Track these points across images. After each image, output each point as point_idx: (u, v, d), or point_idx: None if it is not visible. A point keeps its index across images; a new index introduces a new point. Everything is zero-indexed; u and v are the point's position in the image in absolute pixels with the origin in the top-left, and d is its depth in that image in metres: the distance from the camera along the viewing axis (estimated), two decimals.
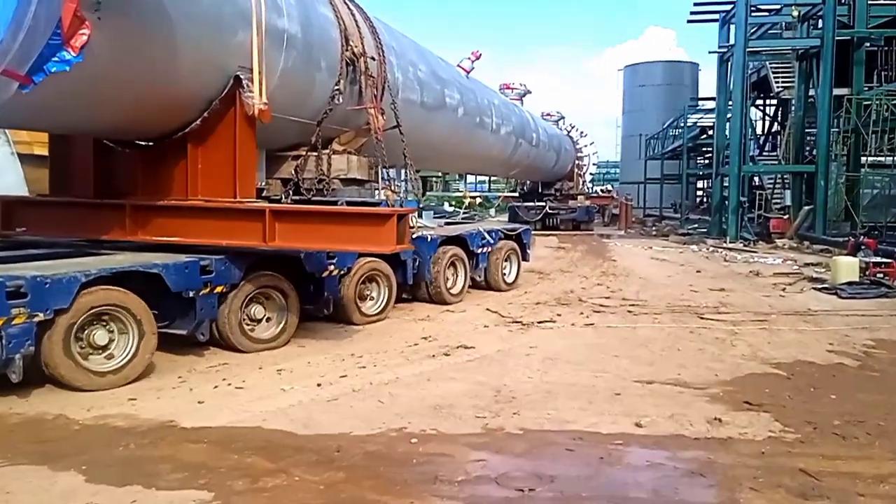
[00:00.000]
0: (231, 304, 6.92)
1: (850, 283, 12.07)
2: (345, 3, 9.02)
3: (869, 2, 22.98)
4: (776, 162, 29.59)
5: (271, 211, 6.93)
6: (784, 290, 12.37)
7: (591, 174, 37.22)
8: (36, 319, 5.27)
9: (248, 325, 7.18)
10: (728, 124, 25.86)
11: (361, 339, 7.98)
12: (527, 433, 4.97)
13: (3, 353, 5.11)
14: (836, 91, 22.41)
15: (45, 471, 4.19)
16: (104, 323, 5.85)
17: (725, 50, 26.18)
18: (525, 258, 13.10)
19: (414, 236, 9.25)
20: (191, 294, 6.47)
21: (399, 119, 9.26)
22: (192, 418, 5.11)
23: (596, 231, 29.15)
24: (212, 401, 5.59)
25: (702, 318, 9.56)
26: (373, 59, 8.94)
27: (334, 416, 5.28)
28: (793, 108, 26.71)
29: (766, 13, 26.27)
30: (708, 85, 47.44)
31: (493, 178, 44.81)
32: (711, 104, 33.00)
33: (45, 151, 8.91)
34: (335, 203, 8.07)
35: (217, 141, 7.03)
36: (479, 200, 40.22)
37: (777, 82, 27.71)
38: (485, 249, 11.58)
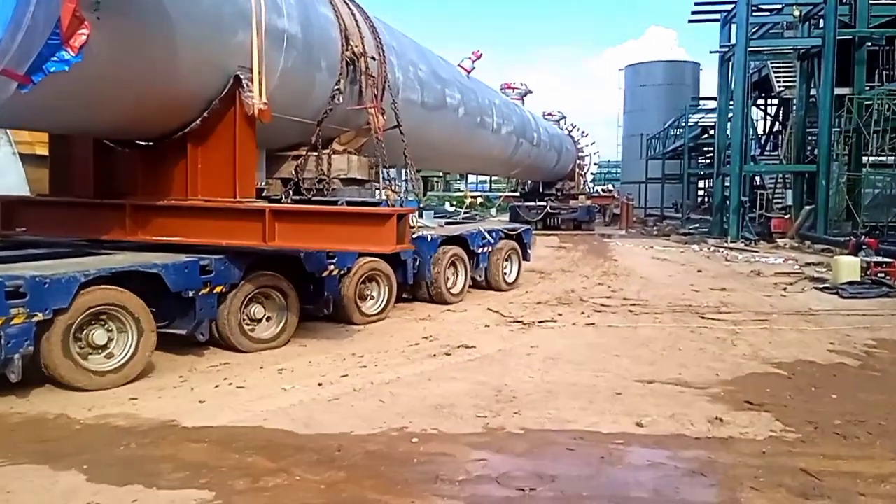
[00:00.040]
0: (231, 303, 6.92)
1: (851, 283, 12.06)
2: (345, 2, 9.02)
3: (870, 1, 22.96)
4: (777, 161, 29.56)
5: (271, 211, 6.93)
6: (785, 289, 12.37)
7: (592, 174, 37.23)
8: (35, 319, 5.27)
9: (247, 324, 7.18)
10: (729, 124, 25.86)
11: (362, 339, 7.98)
12: (528, 433, 4.97)
13: (2, 353, 5.11)
14: (838, 91, 22.39)
15: (47, 470, 4.20)
16: (102, 322, 5.84)
17: (727, 49, 26.16)
18: (526, 258, 13.11)
19: (414, 236, 9.25)
20: (190, 294, 6.47)
21: (399, 119, 9.27)
22: (193, 418, 5.12)
23: (597, 231, 29.13)
24: (213, 400, 5.59)
25: (703, 317, 9.56)
26: (373, 58, 8.94)
27: (335, 415, 5.28)
28: (794, 107, 26.70)
29: (768, 13, 26.24)
30: (709, 84, 47.30)
31: (494, 178, 44.92)
32: (713, 104, 32.98)
33: (46, 151, 8.91)
34: (335, 203, 8.07)
35: (217, 141, 7.04)
36: (480, 200, 40.24)
37: (778, 82, 27.70)
38: (485, 249, 11.58)
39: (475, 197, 39.81)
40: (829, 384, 6.32)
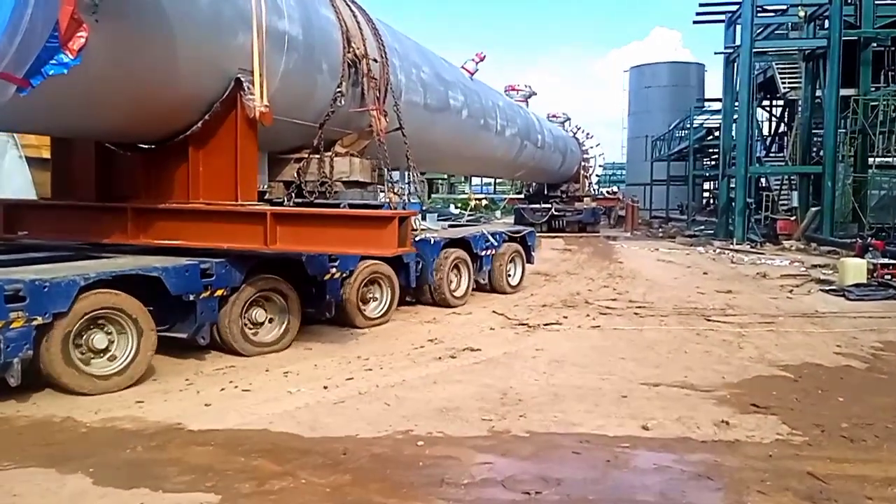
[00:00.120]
0: (232, 307, 6.90)
1: (857, 285, 12.01)
2: (347, 4, 9.00)
3: (875, 2, 22.89)
4: (783, 163, 29.47)
5: (272, 214, 6.92)
6: (791, 291, 12.33)
7: (597, 176, 37.18)
8: (34, 323, 5.26)
9: (249, 328, 7.16)
10: (734, 125, 25.80)
11: (367, 342, 7.98)
12: (533, 436, 4.97)
13: (1, 357, 5.10)
14: (843, 92, 22.31)
15: (53, 473, 4.21)
16: (101, 326, 5.83)
17: (731, 51, 26.12)
18: (529, 260, 13.11)
19: (417, 239, 9.24)
20: (191, 297, 6.45)
21: (402, 121, 9.26)
22: (198, 421, 5.13)
23: (602, 233, 29.11)
24: (218, 403, 5.60)
25: (709, 320, 9.54)
26: (375, 60, 8.93)
27: (341, 418, 5.28)
28: (799, 108, 26.62)
29: (773, 14, 26.18)
30: (714, 86, 47.18)
31: (498, 180, 44.97)
32: (718, 105, 32.91)
33: None
34: (337, 205, 8.07)
35: (218, 144, 7.03)
36: (484, 202, 40.30)
37: (783, 83, 27.61)
38: (489, 252, 11.55)
39: (480, 199, 39.90)
40: (836, 387, 6.30)
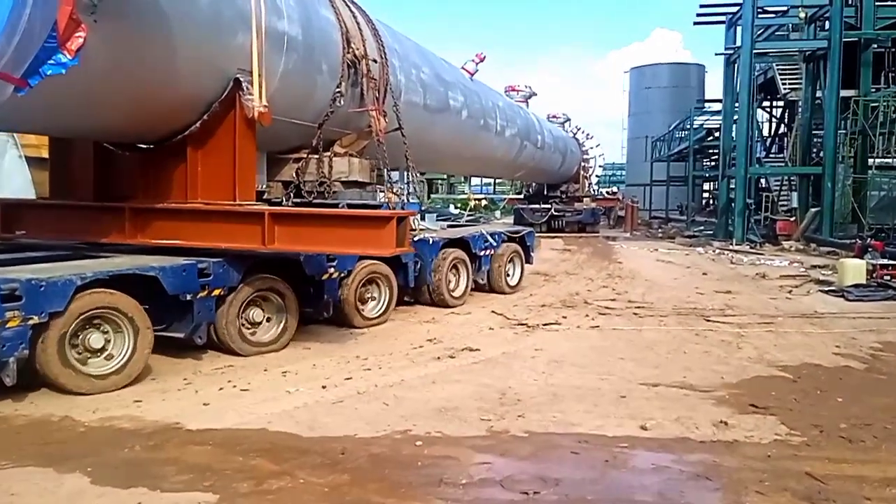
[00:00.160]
0: (229, 307, 6.88)
1: (856, 286, 12.02)
2: (346, 5, 9.00)
3: (876, 3, 22.90)
4: (783, 164, 29.48)
5: (270, 214, 6.90)
6: (790, 292, 12.33)
7: (596, 176, 37.22)
8: (30, 322, 5.24)
9: (246, 328, 7.14)
10: (735, 126, 25.82)
11: (366, 342, 7.98)
12: (532, 436, 4.96)
13: None
14: (844, 93, 22.32)
15: (51, 472, 4.20)
16: (97, 326, 5.81)
17: (732, 52, 26.14)
18: (529, 261, 13.09)
19: (415, 239, 9.24)
20: (188, 297, 6.43)
21: (401, 121, 9.25)
22: (197, 420, 5.12)
23: (601, 233, 29.12)
24: (217, 403, 5.59)
25: (708, 320, 9.53)
26: (374, 61, 8.93)
27: (339, 418, 5.28)
28: (800, 109, 26.64)
29: (773, 15, 26.20)
30: (714, 87, 47.20)
31: (498, 181, 44.98)
32: (718, 106, 32.94)
33: None
34: (336, 205, 8.06)
35: (217, 144, 7.02)
36: (484, 203, 40.32)
37: (784, 84, 27.62)
38: (487, 252, 11.53)
39: (479, 199, 39.92)
40: (835, 387, 6.29)
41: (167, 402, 5.60)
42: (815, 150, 25.30)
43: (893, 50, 23.90)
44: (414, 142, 9.53)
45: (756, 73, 25.85)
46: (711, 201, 41.84)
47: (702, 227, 30.63)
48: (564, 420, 5.30)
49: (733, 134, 26.01)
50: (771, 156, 32.96)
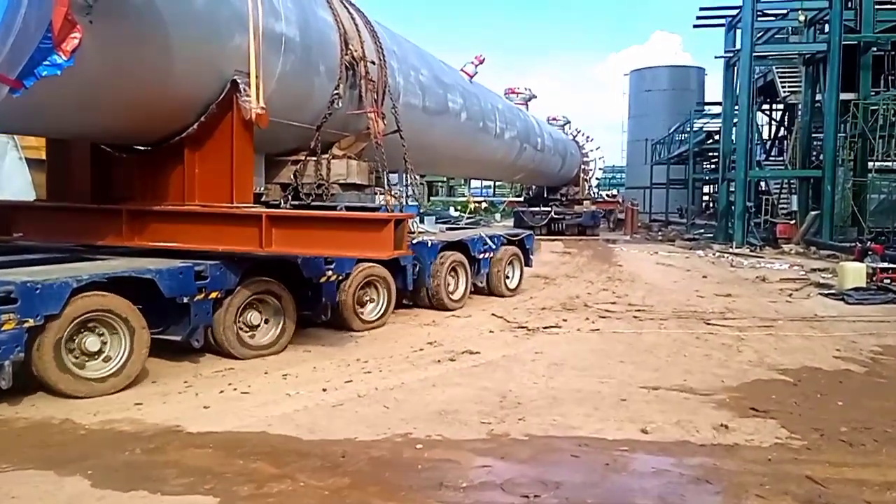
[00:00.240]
0: (226, 309, 6.85)
1: (856, 289, 12.01)
2: (344, 6, 8.99)
3: (876, 6, 22.93)
4: (783, 167, 29.53)
5: (268, 216, 6.90)
6: (790, 295, 12.33)
7: (596, 179, 37.24)
8: (26, 325, 5.22)
9: (244, 331, 7.12)
10: (734, 129, 25.83)
11: (366, 345, 7.98)
12: (532, 439, 4.96)
13: None
14: (843, 96, 22.34)
15: (52, 476, 4.20)
16: (92, 329, 5.78)
17: (732, 55, 26.16)
18: (528, 264, 13.07)
19: (414, 241, 9.24)
20: (185, 300, 6.40)
21: (400, 123, 9.25)
22: (197, 423, 5.12)
23: (601, 236, 29.15)
24: (217, 406, 5.59)
25: (708, 323, 9.53)
26: (373, 63, 8.92)
27: (340, 421, 5.28)
28: (799, 112, 26.67)
29: (773, 18, 26.25)
30: (714, 89, 47.24)
31: (498, 183, 45.00)
32: (718, 109, 32.96)
33: None
34: (334, 208, 8.04)
35: (214, 146, 7.01)
36: (484, 205, 40.33)
37: (784, 87, 27.67)
38: (487, 255, 11.51)
39: (479, 202, 39.92)
40: (835, 391, 6.29)
41: (168, 404, 5.60)
42: (814, 153, 25.32)
43: (893, 53, 23.92)
44: (413, 144, 9.53)
45: (756, 76, 25.88)
46: (711, 204, 41.87)
47: (702, 230, 30.64)
48: (564, 423, 5.29)
49: (733, 137, 26.02)
50: (771, 159, 33.01)
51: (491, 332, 8.93)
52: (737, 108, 25.21)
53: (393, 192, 9.17)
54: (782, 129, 33.55)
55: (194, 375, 6.46)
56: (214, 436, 4.89)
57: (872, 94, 22.89)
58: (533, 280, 13.74)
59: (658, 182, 42.34)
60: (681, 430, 5.16)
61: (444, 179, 47.09)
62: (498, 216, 37.37)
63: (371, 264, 8.73)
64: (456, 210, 30.99)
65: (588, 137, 30.93)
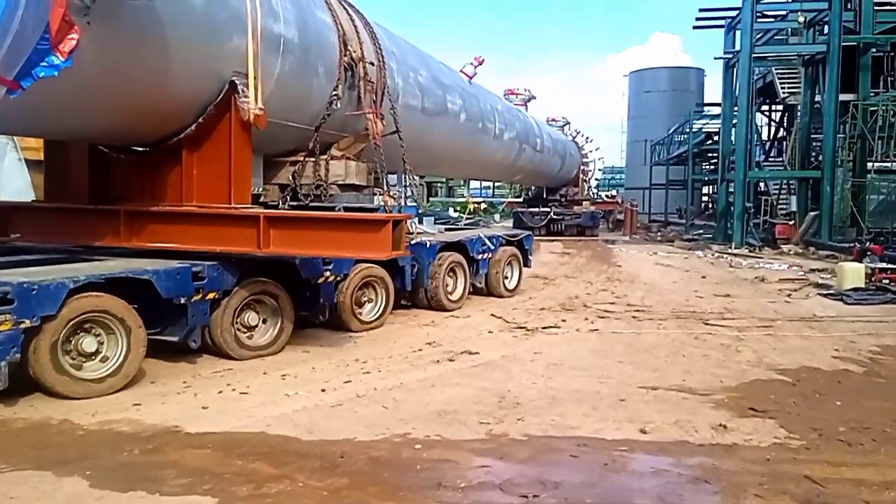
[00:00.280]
0: (224, 310, 6.83)
1: (855, 289, 12.03)
2: (343, 7, 8.98)
3: (875, 7, 22.95)
4: (782, 168, 29.54)
5: (265, 217, 6.89)
6: (789, 296, 12.34)
7: (596, 179, 37.25)
8: (22, 326, 5.21)
9: (241, 331, 7.11)
10: (734, 130, 25.84)
11: (365, 345, 7.98)
12: (531, 439, 4.96)
13: None
14: (843, 97, 22.37)
15: (50, 476, 4.20)
16: (88, 330, 5.76)
17: (731, 56, 26.18)
18: (527, 264, 13.05)
19: (412, 242, 9.22)
20: (182, 300, 6.38)
21: (398, 124, 9.24)
22: (196, 423, 5.12)
23: (601, 237, 29.15)
24: (216, 406, 5.59)
25: (707, 323, 9.54)
26: (372, 64, 8.92)
27: (338, 421, 5.28)
28: (798, 113, 26.70)
29: (772, 19, 26.26)
30: (713, 90, 47.33)
31: (497, 184, 45.01)
32: (717, 110, 32.97)
33: None
34: (332, 209, 8.03)
35: (212, 146, 7.00)
36: (483, 206, 40.35)
37: (783, 88, 27.70)
38: (485, 255, 11.50)
39: (479, 203, 39.94)
40: (834, 391, 6.30)
41: (166, 405, 5.60)
42: (814, 153, 25.34)
43: (892, 54, 23.95)
44: (412, 145, 9.52)
45: (755, 77, 25.91)
46: (710, 205, 41.88)
47: (701, 231, 30.65)
48: (563, 423, 5.29)
49: (732, 138, 26.04)
50: (770, 159, 33.03)
51: (490, 332, 8.94)
52: (736, 109, 25.22)
53: (392, 193, 9.15)
54: (781, 129, 33.57)
55: (193, 376, 6.46)
56: (213, 436, 4.89)
57: (872, 95, 22.92)
58: (532, 280, 13.74)
59: (657, 183, 42.37)
60: (679, 430, 5.16)
61: (444, 180, 47.11)
62: (497, 217, 37.39)
63: (369, 265, 8.71)
64: (455, 211, 31.02)
65: (587, 138, 31.00)
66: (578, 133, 30.39)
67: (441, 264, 10.25)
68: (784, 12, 25.30)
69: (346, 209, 8.10)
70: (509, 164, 18.33)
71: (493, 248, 11.68)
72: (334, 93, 8.31)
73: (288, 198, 8.21)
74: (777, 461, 4.57)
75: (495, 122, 15.40)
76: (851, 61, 22.60)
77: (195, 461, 4.45)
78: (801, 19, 23.73)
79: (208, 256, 6.80)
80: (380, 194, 9.08)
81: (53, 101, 5.67)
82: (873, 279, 12.59)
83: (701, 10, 29.09)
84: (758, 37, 24.87)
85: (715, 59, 27.56)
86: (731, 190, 25.32)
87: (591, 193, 32.69)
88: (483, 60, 14.75)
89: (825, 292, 12.46)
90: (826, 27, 23.28)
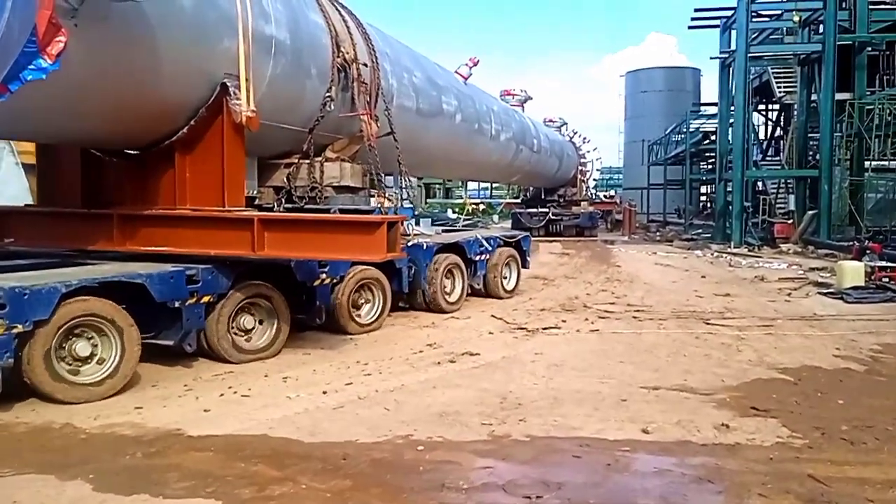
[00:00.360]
0: (219, 313, 6.80)
1: (855, 288, 12.03)
2: (336, 8, 8.94)
3: (870, 6, 23.02)
4: (779, 167, 29.61)
5: (259, 219, 6.87)
6: (789, 295, 12.35)
7: (594, 180, 37.31)
8: (15, 331, 5.18)
9: (237, 335, 7.07)
10: (731, 129, 25.89)
11: (366, 347, 7.97)
12: (533, 440, 4.96)
13: None
14: (839, 96, 22.42)
15: (53, 480, 4.19)
16: (80, 335, 5.72)
17: (727, 55, 26.22)
18: (525, 265, 13.00)
19: (409, 244, 9.20)
20: (176, 304, 6.35)
21: (393, 126, 9.21)
22: (198, 426, 5.11)
23: (600, 237, 29.17)
24: (218, 409, 5.58)
25: (707, 323, 9.54)
26: (365, 65, 8.87)
27: (340, 423, 5.27)
28: (795, 112, 26.75)
29: (767, 18, 26.32)
30: (710, 90, 47.49)
31: (495, 185, 45.05)
32: (714, 109, 33.06)
33: None
34: (327, 211, 8.00)
35: (204, 149, 6.97)
36: (482, 207, 40.36)
37: (779, 87, 27.75)
38: (483, 257, 11.46)
39: (477, 204, 39.95)
40: (836, 389, 6.30)
41: (168, 408, 5.59)
42: (811, 152, 25.38)
43: (888, 53, 24.02)
44: (407, 146, 9.48)
45: (751, 77, 25.96)
46: (709, 204, 41.94)
47: (700, 231, 30.69)
48: (565, 424, 5.29)
49: (729, 137, 26.08)
50: (767, 159, 33.10)
51: (490, 333, 8.93)
52: (733, 108, 25.26)
53: (388, 195, 9.12)
54: (778, 129, 33.64)
55: (194, 379, 6.45)
56: (215, 439, 4.88)
57: (868, 93, 22.97)
58: (532, 281, 13.74)
59: (655, 183, 42.41)
60: (682, 429, 5.16)
61: (441, 181, 47.09)
62: (496, 218, 37.40)
63: (366, 267, 8.66)
64: (454, 212, 31.02)
65: (585, 139, 31.03)
66: (576, 133, 30.45)
67: (438, 266, 10.21)
68: (779, 12, 25.36)
69: (342, 211, 8.07)
70: (506, 164, 18.32)
71: (490, 249, 11.66)
72: (327, 94, 8.27)
73: (283, 200, 8.17)
74: (780, 460, 4.57)
75: (491, 123, 15.38)
76: (847, 60, 22.66)
77: (198, 464, 4.44)
78: (797, 18, 23.78)
79: (203, 260, 6.76)
80: (375, 196, 9.05)
81: (42, 105, 5.64)
82: (873, 277, 12.60)
83: (696, 11, 29.15)
84: (753, 36, 24.92)
85: (711, 59, 27.75)
86: (729, 189, 25.38)
87: (589, 194, 32.73)
88: (478, 61, 14.75)
89: (825, 291, 12.47)
90: (821, 26, 23.34)
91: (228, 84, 6.75)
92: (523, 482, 4.22)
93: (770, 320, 9.74)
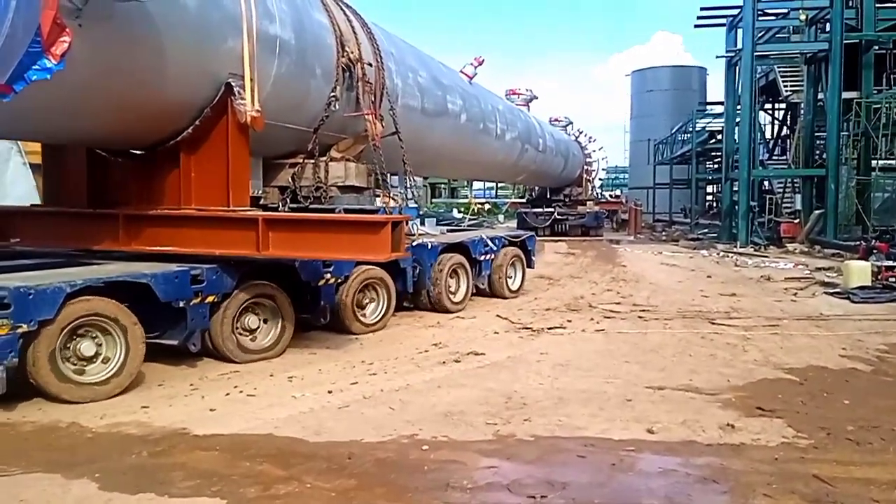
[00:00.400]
0: (223, 313, 6.81)
1: (862, 288, 11.99)
2: (340, 8, 8.95)
3: (877, 5, 22.90)
4: (786, 166, 29.49)
5: (264, 219, 6.88)
6: (795, 294, 12.31)
7: (600, 179, 37.28)
8: (20, 331, 5.20)
9: (242, 334, 7.08)
10: (737, 128, 25.84)
11: (371, 347, 7.98)
12: (538, 440, 4.96)
13: None
14: (846, 94, 22.33)
15: (59, 479, 4.21)
16: (83, 335, 5.73)
17: (733, 54, 26.16)
18: (530, 265, 13.01)
19: (414, 244, 9.19)
20: (181, 304, 6.36)
21: (398, 125, 9.21)
22: (204, 426, 5.13)
23: (605, 237, 29.14)
24: (223, 408, 5.60)
25: (713, 323, 9.52)
26: (370, 64, 8.88)
27: (346, 423, 5.28)
28: (802, 111, 26.64)
29: (774, 17, 26.22)
30: (716, 89, 47.22)
31: (501, 185, 44.98)
32: (720, 108, 32.97)
33: None
34: (332, 211, 8.01)
35: (209, 149, 6.98)
36: (487, 207, 40.34)
37: (785, 86, 27.64)
38: (488, 257, 11.46)
39: (482, 204, 39.94)
40: (842, 390, 6.28)
41: (174, 407, 5.61)
42: (818, 152, 25.29)
43: (895, 51, 23.89)
44: (412, 146, 9.49)
45: (758, 76, 25.86)
46: (715, 204, 41.85)
47: (705, 230, 30.62)
48: (570, 424, 5.29)
49: (736, 136, 26.03)
50: (774, 158, 32.98)
51: (496, 333, 8.93)
52: (739, 107, 25.20)
53: (392, 195, 9.12)
54: (785, 128, 33.51)
55: (200, 378, 6.47)
56: (221, 438, 4.90)
57: (875, 92, 22.86)
58: (537, 281, 13.73)
59: (661, 182, 42.34)
60: (687, 429, 5.15)
61: (447, 181, 47.09)
62: (501, 217, 37.41)
63: (371, 266, 8.67)
64: (459, 212, 31.03)
65: (590, 138, 30.98)
66: (581, 133, 30.40)
67: (443, 266, 10.21)
68: (786, 10, 25.24)
69: (347, 211, 8.08)
70: (511, 164, 18.31)
71: (495, 249, 11.66)
72: (332, 94, 8.27)
73: (288, 200, 8.18)
74: (785, 460, 4.56)
75: (496, 123, 15.37)
76: (854, 59, 22.55)
77: (203, 463, 4.46)
78: (803, 17, 23.67)
79: (207, 259, 6.78)
80: (379, 195, 9.06)
81: (47, 105, 5.66)
82: (880, 277, 12.55)
83: (702, 9, 29.05)
84: (759, 35, 24.85)
85: (717, 57, 27.61)
86: (735, 189, 25.29)
87: (594, 193, 32.68)
88: (483, 61, 14.73)
89: (831, 291, 12.43)
90: (828, 25, 23.24)
91: (233, 84, 6.76)
92: (528, 482, 4.22)
93: (776, 320, 9.72)
